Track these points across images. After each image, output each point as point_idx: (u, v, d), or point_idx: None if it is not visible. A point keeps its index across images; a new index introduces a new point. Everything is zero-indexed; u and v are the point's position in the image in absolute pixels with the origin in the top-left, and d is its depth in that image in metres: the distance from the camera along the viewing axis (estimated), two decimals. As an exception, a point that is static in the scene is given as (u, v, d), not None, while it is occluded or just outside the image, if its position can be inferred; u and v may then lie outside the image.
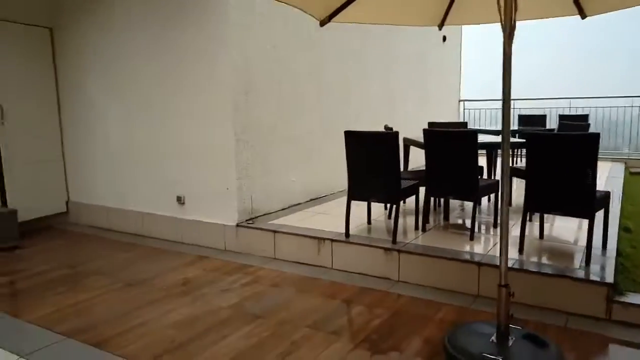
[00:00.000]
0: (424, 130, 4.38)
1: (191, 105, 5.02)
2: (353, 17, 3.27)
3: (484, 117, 11.38)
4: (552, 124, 8.98)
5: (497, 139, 5.05)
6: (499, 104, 11.11)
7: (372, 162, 4.19)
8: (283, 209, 5.51)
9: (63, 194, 6.28)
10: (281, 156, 5.46)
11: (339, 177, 6.68)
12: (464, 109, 11.39)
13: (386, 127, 5.20)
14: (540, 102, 10.61)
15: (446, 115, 10.19)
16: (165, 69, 5.15)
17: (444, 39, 9.85)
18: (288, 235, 4.56)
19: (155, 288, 3.93)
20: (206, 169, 5.03)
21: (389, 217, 5.02)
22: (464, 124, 6.21)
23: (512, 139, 4.91)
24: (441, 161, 4.33)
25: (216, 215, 5.02)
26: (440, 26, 3.59)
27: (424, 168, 4.48)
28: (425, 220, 4.55)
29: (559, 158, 3.50)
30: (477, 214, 4.36)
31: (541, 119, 8.82)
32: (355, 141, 4.22)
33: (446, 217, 4.97)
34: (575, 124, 6.79)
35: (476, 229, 4.46)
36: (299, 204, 5.79)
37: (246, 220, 4.96)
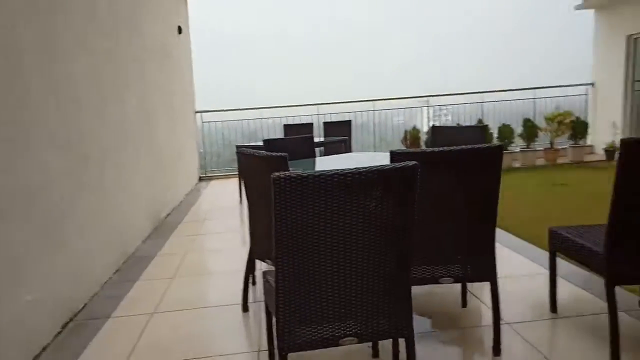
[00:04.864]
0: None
1: None
2: None
3: (227, 133, 9.42)
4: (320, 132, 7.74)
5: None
6: (246, 115, 9.41)
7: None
8: (27, 377, 2.27)
9: None
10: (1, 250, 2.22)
11: (105, 263, 3.62)
12: (202, 122, 9.13)
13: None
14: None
15: (186, 133, 7.70)
16: None
17: (180, 30, 7.36)
18: None
19: None
20: None
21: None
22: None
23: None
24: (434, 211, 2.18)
25: None
26: None
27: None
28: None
29: None
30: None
31: (308, 127, 7.48)
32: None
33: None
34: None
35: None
36: (46, 347, 2.57)
37: None
